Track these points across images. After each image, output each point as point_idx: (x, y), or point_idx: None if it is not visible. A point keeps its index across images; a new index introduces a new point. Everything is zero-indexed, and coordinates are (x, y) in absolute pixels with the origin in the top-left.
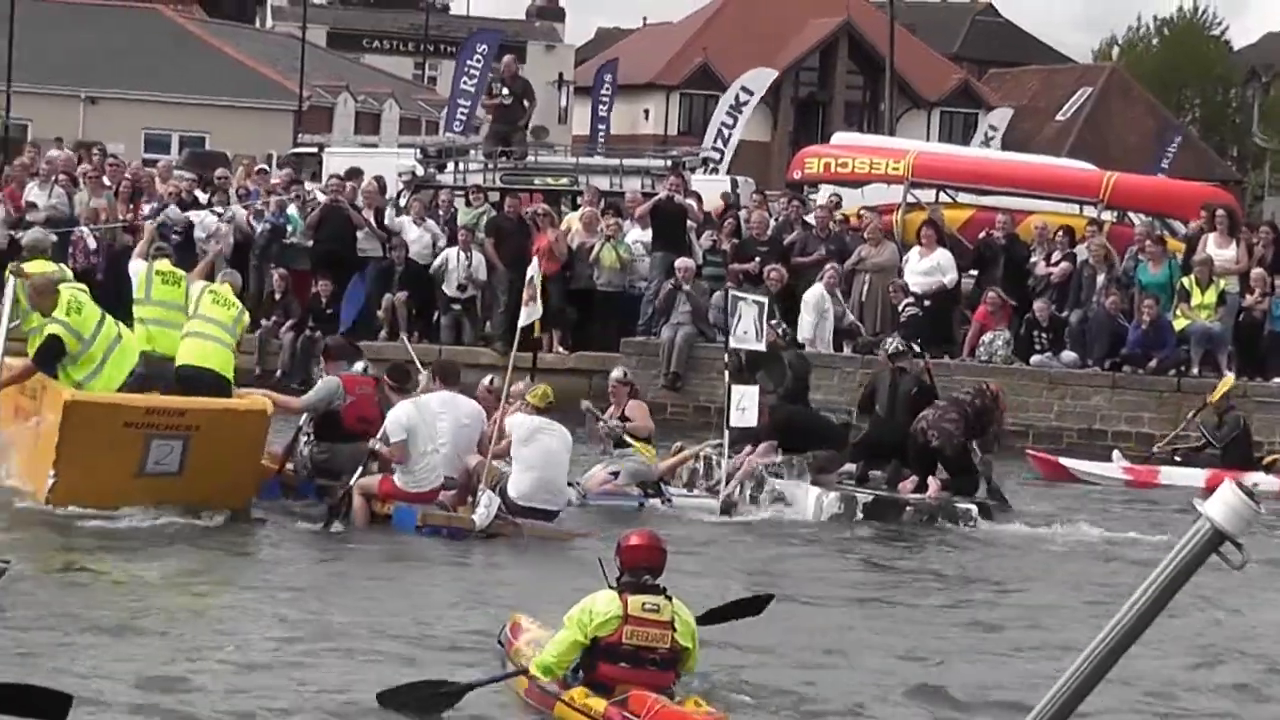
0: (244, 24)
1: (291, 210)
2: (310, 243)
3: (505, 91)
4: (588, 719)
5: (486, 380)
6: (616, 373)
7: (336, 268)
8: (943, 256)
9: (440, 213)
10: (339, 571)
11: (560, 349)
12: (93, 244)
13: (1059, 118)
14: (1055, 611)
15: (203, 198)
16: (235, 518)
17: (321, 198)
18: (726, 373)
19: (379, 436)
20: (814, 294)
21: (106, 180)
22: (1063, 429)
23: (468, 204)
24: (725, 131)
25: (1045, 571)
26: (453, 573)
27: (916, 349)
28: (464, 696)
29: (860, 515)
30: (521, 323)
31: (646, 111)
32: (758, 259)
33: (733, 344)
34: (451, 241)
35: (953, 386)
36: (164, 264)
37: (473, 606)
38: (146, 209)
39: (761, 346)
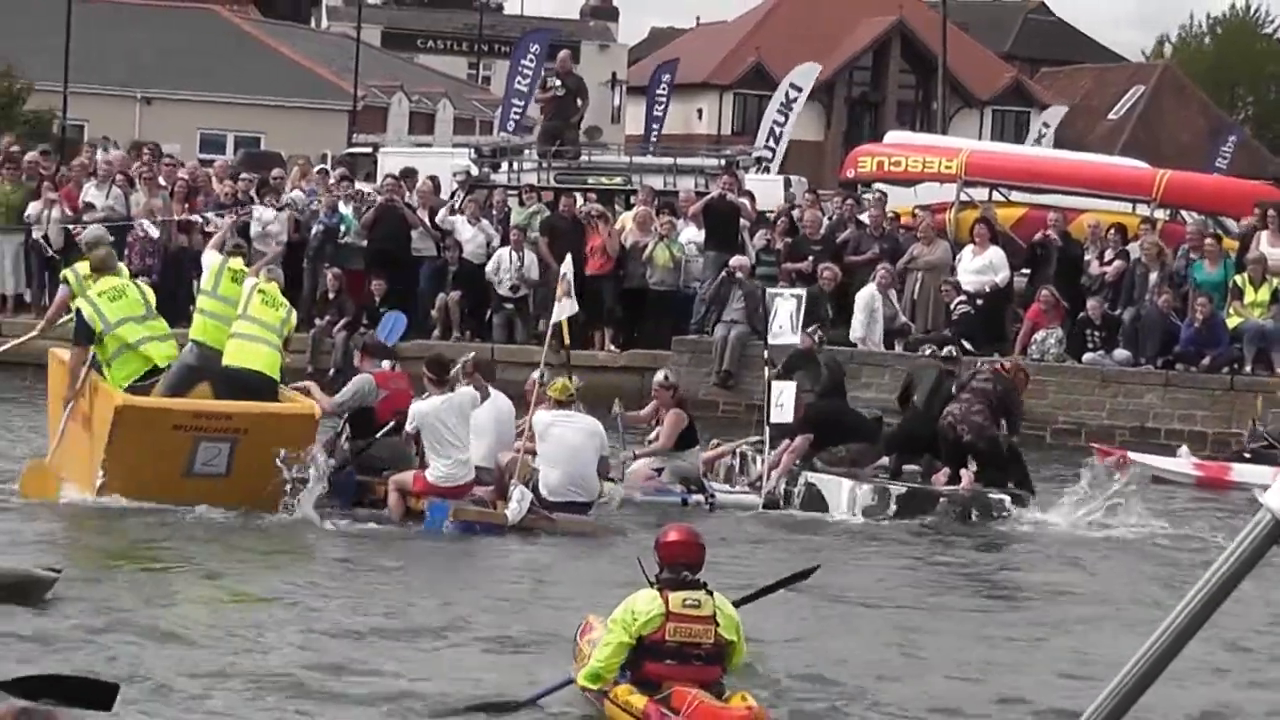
0: (299, 24)
1: (345, 210)
2: (365, 242)
3: (558, 84)
4: (630, 715)
5: (535, 374)
6: (660, 376)
7: (391, 267)
8: (995, 255)
9: (494, 212)
10: (397, 568)
11: (612, 347)
12: (155, 233)
13: (1111, 116)
14: (1097, 608)
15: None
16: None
17: (376, 198)
18: (765, 369)
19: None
20: (865, 294)
21: (162, 180)
22: (1115, 427)
23: (521, 203)
24: (777, 130)
25: (1083, 565)
26: (506, 567)
27: (955, 352)
28: (517, 710)
29: (894, 507)
30: (555, 319)
31: (700, 111)
32: (811, 258)
33: (770, 339)
34: (505, 241)
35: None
36: (237, 262)
37: (532, 604)
38: (214, 218)
39: (797, 340)
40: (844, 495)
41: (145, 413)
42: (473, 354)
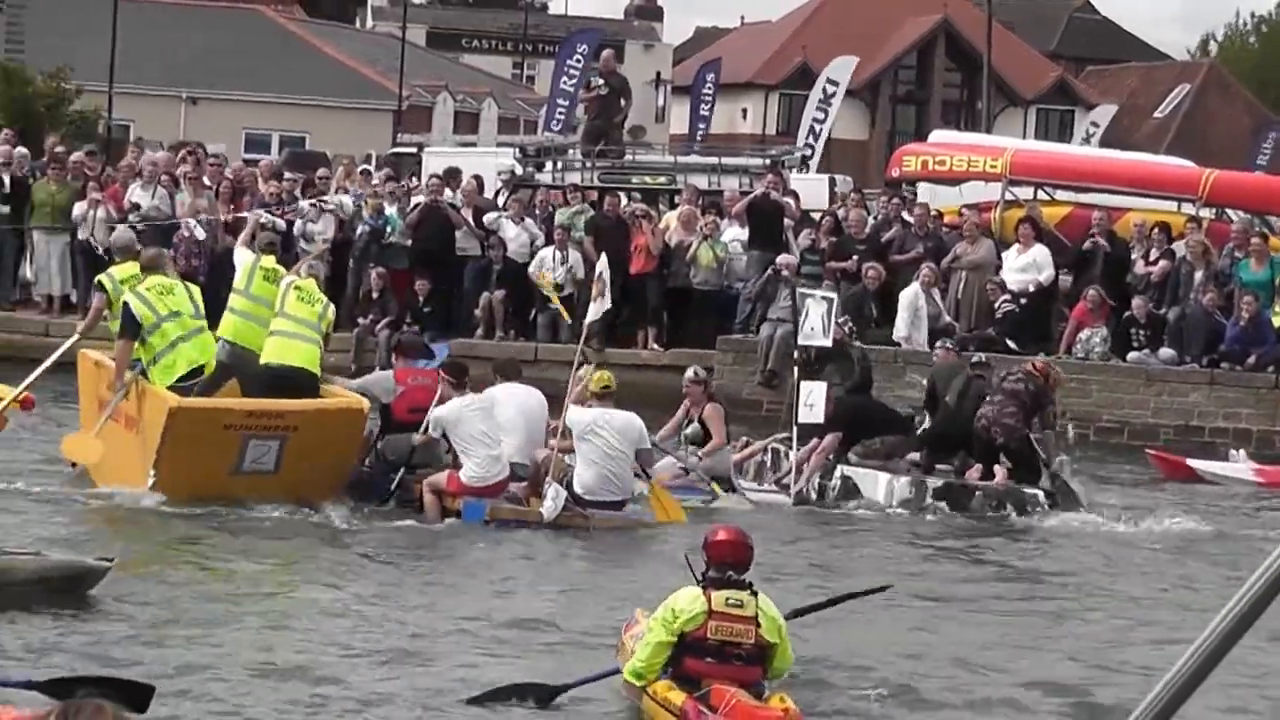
0: (344, 24)
1: (390, 210)
2: (409, 242)
3: (601, 82)
4: (668, 711)
5: (581, 372)
6: (690, 372)
7: (435, 267)
8: (1040, 254)
9: (537, 212)
10: (440, 565)
11: (655, 346)
12: (201, 234)
13: (1157, 115)
14: (1139, 607)
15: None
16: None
17: (420, 197)
18: (795, 369)
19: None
20: (909, 293)
21: (207, 180)
22: (1160, 426)
23: (566, 202)
24: (817, 127)
25: (1124, 564)
26: (552, 564)
27: (984, 357)
28: (557, 697)
29: (930, 500)
30: (590, 318)
31: (744, 111)
32: (856, 257)
33: (801, 340)
34: (549, 240)
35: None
36: (269, 260)
37: (580, 599)
38: (248, 211)
39: (828, 342)
40: (881, 487)
41: (199, 414)
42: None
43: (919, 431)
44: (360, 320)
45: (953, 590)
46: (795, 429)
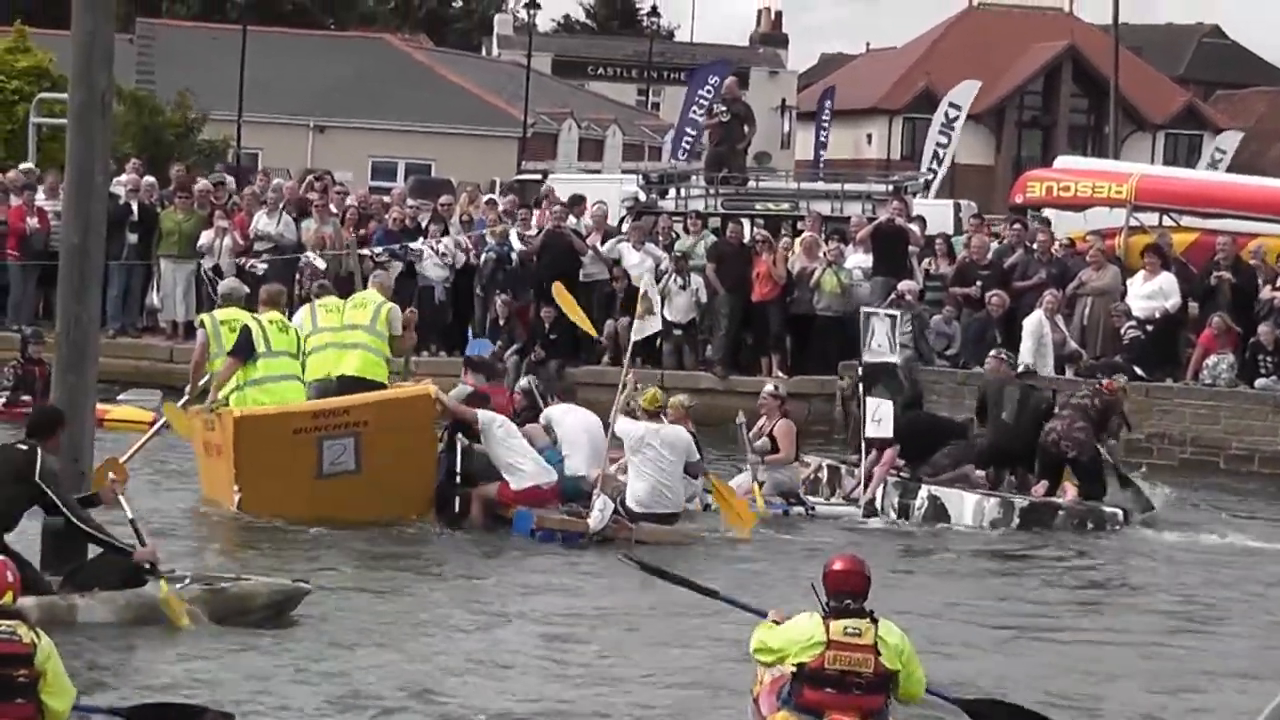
0: (470, 52)
1: (515, 238)
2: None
3: (724, 109)
4: None
5: (682, 397)
6: (769, 386)
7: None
8: (1166, 281)
9: (659, 239)
10: (532, 578)
11: (779, 373)
12: (321, 264)
13: None
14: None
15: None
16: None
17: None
18: (859, 386)
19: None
20: (1033, 321)
21: (334, 208)
22: None
23: (686, 231)
24: (940, 151)
25: (1221, 588)
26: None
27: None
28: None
29: (1017, 520)
30: (636, 336)
31: (869, 136)
32: (979, 283)
33: (866, 358)
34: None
35: (1170, 409)
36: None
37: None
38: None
39: (896, 359)
40: (969, 508)
41: (264, 421)
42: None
43: (975, 444)
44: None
45: (1044, 612)
46: (863, 442)
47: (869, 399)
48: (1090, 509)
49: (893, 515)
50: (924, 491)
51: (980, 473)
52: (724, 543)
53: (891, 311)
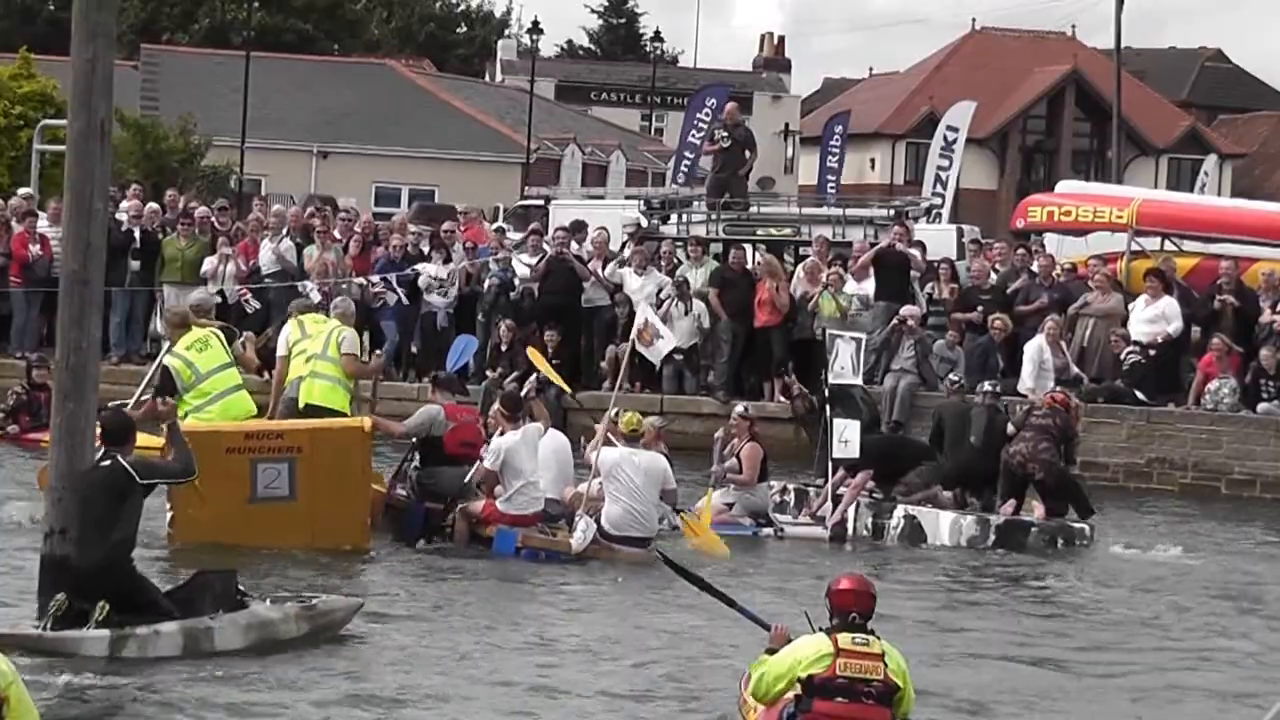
0: (473, 78)
1: (518, 264)
2: (536, 294)
3: (725, 134)
4: None
5: (654, 419)
6: (739, 408)
7: (562, 319)
8: (1168, 305)
9: (662, 264)
10: (542, 599)
11: (781, 398)
12: (316, 297)
13: None
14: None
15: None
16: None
17: (546, 250)
18: (826, 408)
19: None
20: (1033, 346)
21: (337, 234)
22: None
23: (688, 256)
24: (942, 175)
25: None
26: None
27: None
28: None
29: (993, 537)
30: (654, 359)
31: (873, 160)
32: (980, 308)
33: (831, 380)
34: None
35: (1172, 434)
36: (309, 316)
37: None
38: (377, 271)
39: (859, 380)
40: (946, 527)
41: (197, 437)
42: (531, 386)
43: (941, 466)
44: (489, 373)
45: (1017, 631)
46: (830, 463)
47: (836, 420)
48: (1060, 525)
49: (864, 532)
50: (900, 511)
51: (947, 493)
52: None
53: (856, 335)
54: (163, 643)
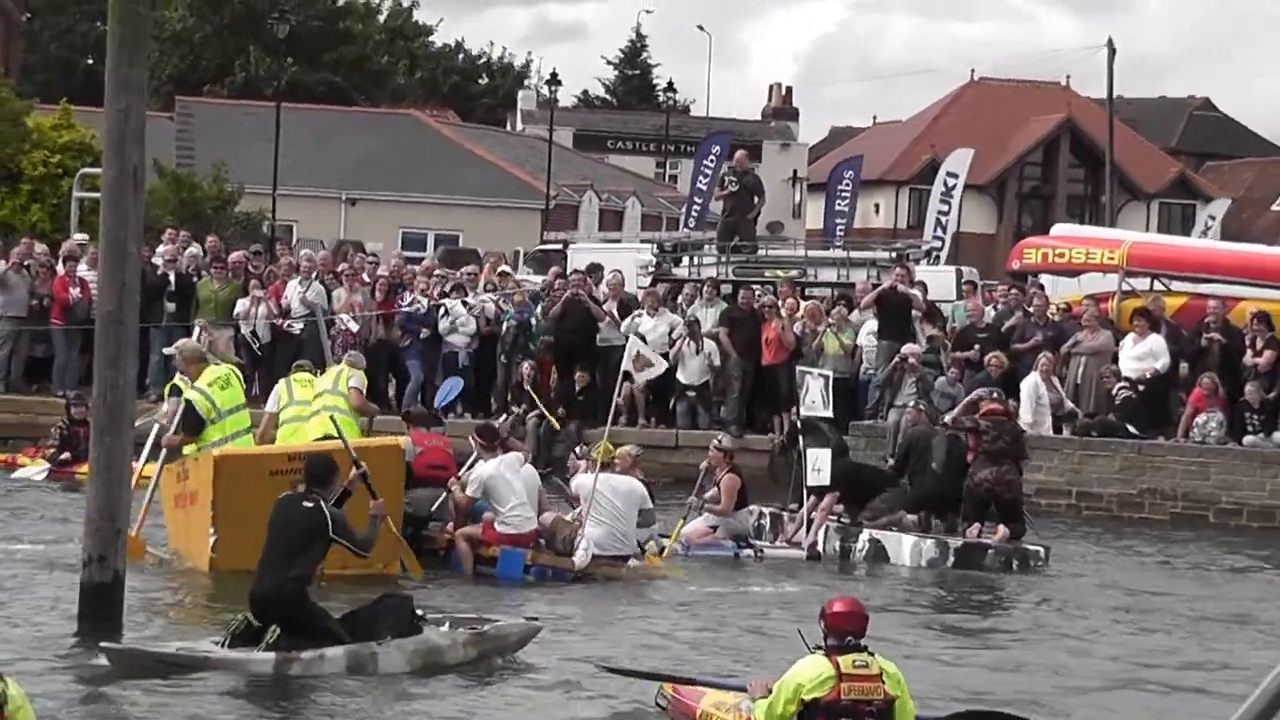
0: (495, 127)
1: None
2: (553, 335)
3: (734, 180)
4: None
5: (629, 447)
6: (717, 440)
7: (579, 358)
8: (1155, 343)
9: (680, 303)
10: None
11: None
12: (354, 326)
13: (1275, 208)
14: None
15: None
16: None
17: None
18: (800, 438)
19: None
20: (1029, 383)
21: (366, 277)
22: (1276, 508)
23: (700, 296)
24: (943, 219)
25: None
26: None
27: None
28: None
29: (952, 559)
30: (639, 383)
31: (877, 205)
32: (977, 346)
33: (804, 413)
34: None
35: (1162, 466)
36: (302, 375)
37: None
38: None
39: (829, 413)
40: (907, 549)
41: (242, 461)
42: (510, 418)
43: (906, 492)
44: (514, 409)
45: (987, 646)
46: (805, 490)
47: (809, 450)
48: (1016, 548)
49: (834, 554)
50: (865, 535)
51: (911, 517)
52: (688, 593)
53: (825, 372)
54: (327, 665)
